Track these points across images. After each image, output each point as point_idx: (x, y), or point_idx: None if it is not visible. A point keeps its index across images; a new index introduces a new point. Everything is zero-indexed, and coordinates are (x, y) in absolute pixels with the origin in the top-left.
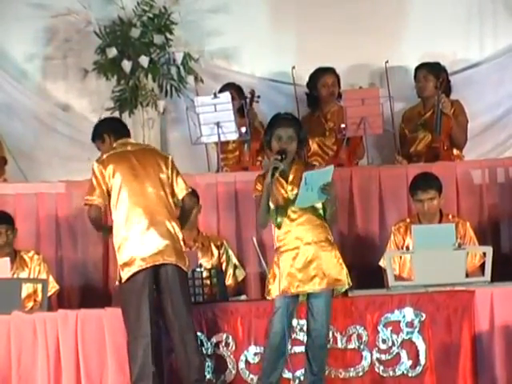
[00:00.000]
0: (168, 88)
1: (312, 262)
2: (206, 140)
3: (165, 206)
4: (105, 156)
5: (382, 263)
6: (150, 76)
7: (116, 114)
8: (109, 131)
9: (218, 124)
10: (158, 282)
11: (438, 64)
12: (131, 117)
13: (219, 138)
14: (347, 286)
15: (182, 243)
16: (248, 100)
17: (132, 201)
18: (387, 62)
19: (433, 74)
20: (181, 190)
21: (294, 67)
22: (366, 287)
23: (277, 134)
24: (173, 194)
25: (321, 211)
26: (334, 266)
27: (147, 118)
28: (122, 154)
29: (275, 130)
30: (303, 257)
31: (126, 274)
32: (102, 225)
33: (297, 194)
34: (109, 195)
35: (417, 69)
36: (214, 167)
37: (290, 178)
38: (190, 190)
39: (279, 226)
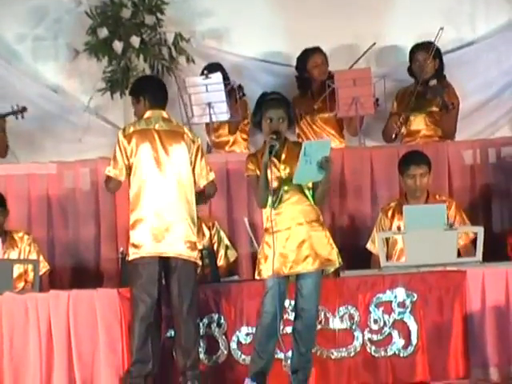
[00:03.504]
0: (159, 68)
1: (304, 243)
2: (198, 120)
3: (182, 193)
4: (131, 129)
5: (369, 246)
6: (141, 56)
7: (107, 95)
8: (146, 95)
9: (209, 104)
10: (167, 271)
11: (433, 44)
12: (122, 97)
13: (211, 118)
14: (338, 266)
15: (194, 235)
16: (238, 95)
17: (149, 184)
18: (374, 44)
19: (432, 55)
20: (202, 178)
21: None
22: (358, 268)
23: (267, 116)
24: (194, 180)
25: (310, 192)
26: (324, 246)
27: None
28: (147, 133)
29: (265, 111)
30: (295, 237)
31: (132, 254)
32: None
33: (290, 173)
34: (129, 169)
35: (414, 50)
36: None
37: (283, 157)
38: (212, 177)
39: (273, 207)
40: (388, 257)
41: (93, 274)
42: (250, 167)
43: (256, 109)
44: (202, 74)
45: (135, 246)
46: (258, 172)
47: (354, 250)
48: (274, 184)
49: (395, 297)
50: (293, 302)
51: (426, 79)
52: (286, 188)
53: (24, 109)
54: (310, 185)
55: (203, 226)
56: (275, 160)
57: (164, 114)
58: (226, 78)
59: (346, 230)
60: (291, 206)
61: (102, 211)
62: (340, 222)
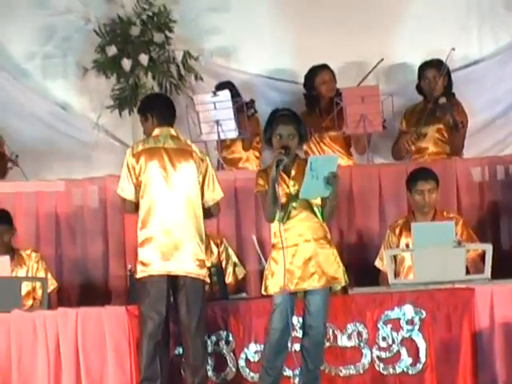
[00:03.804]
0: (168, 86)
1: (311, 260)
2: (206, 138)
3: (191, 211)
4: (140, 148)
5: (377, 263)
6: (149, 74)
7: (116, 113)
8: (154, 112)
9: (217, 122)
10: (175, 289)
11: (442, 62)
12: (131, 115)
13: (219, 136)
14: (344, 284)
15: (203, 253)
16: (251, 112)
17: (158, 202)
18: (382, 59)
19: (442, 73)
20: (211, 198)
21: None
22: (366, 285)
23: (278, 132)
24: (202, 198)
25: (319, 208)
26: (331, 264)
27: None
28: (156, 151)
29: (275, 127)
30: (302, 254)
31: (141, 273)
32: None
33: (299, 190)
34: (138, 187)
35: (423, 68)
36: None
37: (292, 173)
38: (219, 197)
39: (282, 221)
40: (396, 274)
41: (101, 292)
42: (260, 183)
43: (267, 125)
44: (215, 91)
45: (144, 264)
46: (267, 187)
47: (362, 267)
48: (283, 200)
49: (403, 314)
50: (301, 319)
51: (436, 97)
52: (294, 204)
53: None
54: (319, 201)
55: (211, 243)
56: (285, 176)
57: (172, 131)
58: (237, 95)
59: (354, 247)
60: (299, 222)
61: (110, 228)
62: (348, 239)
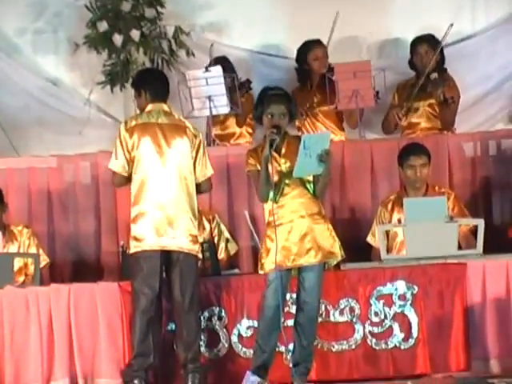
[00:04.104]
0: (159, 62)
1: (307, 235)
2: (198, 114)
3: (184, 187)
4: (133, 123)
5: (369, 239)
6: (141, 50)
7: (107, 89)
8: (147, 88)
9: (209, 98)
10: (168, 265)
11: (434, 37)
12: (122, 91)
13: (211, 111)
14: (340, 258)
15: (196, 229)
16: (244, 89)
17: (152, 178)
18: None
19: (432, 48)
20: (201, 174)
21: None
22: (358, 261)
23: (269, 111)
24: (194, 175)
25: (311, 185)
26: (327, 239)
27: None
28: (149, 127)
29: (267, 106)
30: (298, 230)
31: (134, 248)
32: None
33: (291, 167)
34: (131, 163)
35: (415, 43)
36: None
37: (283, 151)
38: (210, 174)
39: (274, 200)
40: (388, 249)
41: (93, 268)
42: (251, 162)
43: (258, 103)
44: (208, 67)
45: (137, 240)
46: (259, 167)
47: (354, 242)
48: (275, 178)
49: (396, 289)
50: (294, 296)
51: (427, 72)
52: (286, 182)
53: None
54: (311, 178)
55: (203, 219)
56: (275, 154)
57: (165, 107)
58: (232, 71)
59: (346, 223)
60: (292, 199)
61: (102, 205)
62: (340, 215)
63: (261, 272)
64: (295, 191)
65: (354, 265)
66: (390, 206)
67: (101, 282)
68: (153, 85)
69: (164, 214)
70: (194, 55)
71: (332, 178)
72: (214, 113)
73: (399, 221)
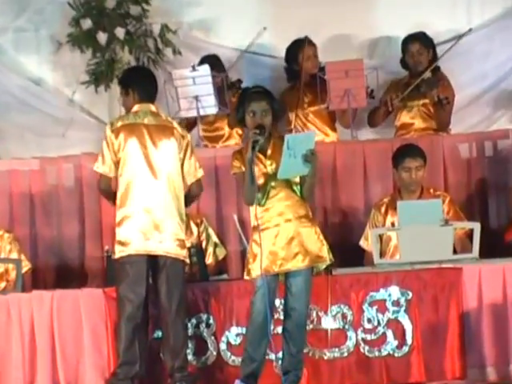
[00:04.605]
0: (145, 61)
1: (294, 239)
2: (185, 114)
3: (171, 190)
4: (119, 124)
5: (362, 243)
6: (126, 48)
7: (91, 89)
8: (135, 87)
9: (196, 98)
10: (155, 270)
11: (426, 35)
12: (107, 91)
13: (198, 112)
14: (329, 262)
15: (183, 233)
16: (235, 89)
17: (138, 180)
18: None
19: (425, 46)
20: (190, 176)
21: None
22: (350, 265)
23: (250, 110)
24: (182, 177)
25: (298, 187)
26: (314, 243)
27: None
28: (136, 127)
29: (248, 104)
30: (284, 234)
31: (119, 252)
32: (112, 196)
33: (277, 169)
34: (117, 165)
35: (407, 41)
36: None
37: (269, 152)
38: (200, 175)
39: (260, 203)
40: (382, 254)
41: (77, 273)
42: (236, 164)
43: (239, 104)
44: (200, 65)
45: (122, 244)
46: (244, 169)
47: (346, 247)
48: (261, 180)
49: (389, 295)
50: (283, 301)
51: (420, 71)
52: (273, 184)
53: None
54: (298, 180)
55: (191, 222)
56: (261, 156)
57: (152, 107)
58: (222, 69)
59: (338, 227)
60: (279, 202)
61: (86, 208)
62: (332, 219)
63: (247, 277)
64: (281, 194)
65: (347, 270)
66: (383, 209)
67: (85, 288)
68: (141, 84)
69: (150, 217)
70: (180, 54)
71: (323, 179)
72: (202, 113)
73: (393, 224)
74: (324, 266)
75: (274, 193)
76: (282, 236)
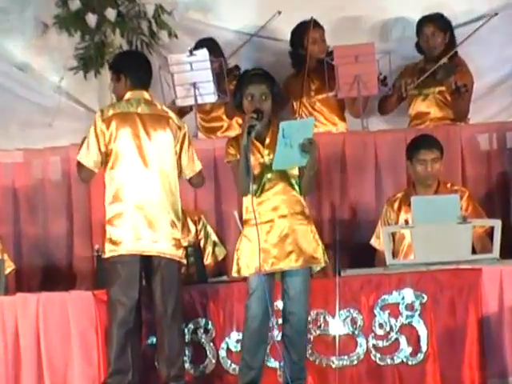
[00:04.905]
0: (138, 44)
1: (288, 237)
2: (181, 103)
3: (166, 185)
4: (110, 112)
5: (373, 241)
6: (117, 31)
7: (80, 75)
8: (128, 73)
9: (194, 85)
10: (149, 271)
11: (442, 16)
12: (97, 77)
13: (196, 100)
14: (323, 264)
15: (179, 231)
16: (232, 76)
17: (130, 174)
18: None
19: (440, 29)
20: (189, 169)
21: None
22: (361, 266)
23: (248, 93)
24: (179, 171)
25: (296, 180)
26: (309, 242)
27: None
28: (129, 116)
29: (246, 88)
30: (278, 230)
31: (110, 252)
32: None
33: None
34: (106, 157)
35: (421, 23)
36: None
37: (267, 141)
38: (198, 169)
39: (255, 194)
40: (394, 254)
41: (65, 275)
42: (231, 152)
43: (237, 88)
44: (196, 49)
45: (113, 243)
46: (239, 157)
47: (356, 246)
48: (256, 170)
49: (402, 298)
50: (281, 303)
51: (435, 56)
52: (269, 176)
53: None
54: (297, 172)
55: (188, 220)
56: (258, 144)
57: (146, 95)
58: (220, 54)
59: (347, 224)
60: (274, 195)
61: (74, 204)
62: (341, 215)
63: (235, 275)
64: (278, 187)
65: (356, 271)
66: (396, 205)
67: (73, 291)
68: (134, 70)
69: (143, 214)
70: (176, 37)
71: (331, 173)
72: (200, 101)
73: (406, 222)
74: (318, 269)
75: (269, 185)
76: (275, 233)
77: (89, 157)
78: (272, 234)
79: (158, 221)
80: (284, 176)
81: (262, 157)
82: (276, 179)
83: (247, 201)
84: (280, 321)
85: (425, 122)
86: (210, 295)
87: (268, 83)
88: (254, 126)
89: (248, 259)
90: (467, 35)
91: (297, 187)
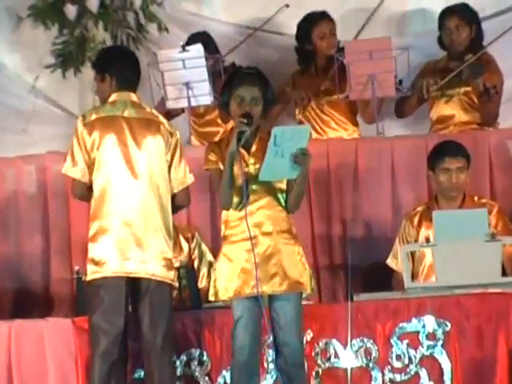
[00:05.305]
0: (124, 39)
1: (272, 257)
2: (173, 105)
3: (157, 198)
4: (93, 116)
5: (389, 261)
6: (100, 24)
7: (58, 73)
8: (113, 72)
9: (187, 84)
10: (136, 296)
11: (468, 7)
12: (77, 76)
13: (189, 102)
14: (309, 292)
15: (171, 250)
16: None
17: (116, 186)
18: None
19: (466, 21)
20: (178, 182)
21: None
22: (375, 290)
23: (238, 94)
24: (169, 183)
25: (283, 195)
26: (296, 265)
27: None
28: (114, 121)
29: (236, 88)
30: (261, 249)
31: (92, 274)
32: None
33: (259, 170)
34: (91, 167)
35: (444, 16)
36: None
37: (253, 148)
38: (190, 182)
39: (236, 208)
40: (414, 276)
41: (40, 299)
42: (211, 158)
43: (225, 87)
44: (187, 45)
45: (96, 263)
46: (221, 165)
47: (370, 267)
48: (240, 181)
49: (423, 326)
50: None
51: (460, 52)
52: (253, 187)
53: None
54: (284, 186)
55: (180, 237)
56: (243, 152)
57: (134, 97)
58: (215, 50)
59: (360, 242)
60: (258, 210)
61: (51, 219)
62: (353, 232)
63: (211, 299)
64: (263, 201)
65: (371, 295)
66: (416, 221)
67: (50, 318)
68: (121, 69)
69: (131, 231)
70: (167, 31)
71: (342, 184)
72: (194, 104)
73: (427, 239)
74: (304, 295)
75: (253, 198)
76: (258, 251)
77: (76, 168)
78: (254, 252)
79: (148, 238)
80: (270, 189)
81: (247, 165)
82: (261, 192)
83: (228, 214)
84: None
85: (448, 127)
86: (205, 323)
87: (261, 86)
88: (244, 132)
89: (226, 281)
90: (495, 29)
91: (283, 202)
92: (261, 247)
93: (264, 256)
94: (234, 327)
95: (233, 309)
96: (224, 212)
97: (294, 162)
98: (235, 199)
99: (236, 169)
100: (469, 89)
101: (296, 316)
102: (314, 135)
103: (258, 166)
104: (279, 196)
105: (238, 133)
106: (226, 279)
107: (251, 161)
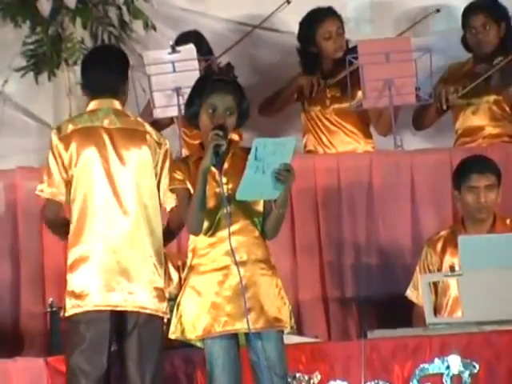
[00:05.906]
0: (105, 38)
1: (247, 290)
2: (161, 114)
3: (144, 220)
4: (70, 128)
5: (409, 293)
6: (78, 21)
7: (30, 77)
8: (84, 78)
9: (177, 90)
10: (122, 332)
11: (496, 3)
12: (52, 80)
13: (179, 110)
14: (289, 330)
15: (162, 279)
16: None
17: (98, 207)
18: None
19: (493, 19)
20: (170, 198)
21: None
22: (393, 326)
23: (210, 103)
24: (158, 201)
25: (260, 219)
26: (274, 299)
27: (75, 82)
28: (93, 132)
29: (207, 96)
30: (234, 281)
31: (72, 309)
32: (63, 226)
33: (234, 190)
34: (68, 185)
35: (468, 12)
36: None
37: (226, 166)
38: None
39: (207, 233)
40: (437, 309)
41: (9, 336)
42: (178, 177)
43: (193, 94)
44: (177, 45)
45: (76, 296)
46: (189, 185)
47: (387, 299)
48: (211, 203)
49: (447, 368)
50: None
51: (486, 53)
52: (228, 209)
53: None
54: (261, 208)
55: (170, 266)
56: (214, 170)
57: (116, 104)
58: (207, 51)
59: (375, 271)
60: (233, 236)
61: (22, 244)
62: (367, 259)
63: (172, 336)
64: (237, 225)
65: (387, 332)
66: (439, 247)
67: (19, 357)
68: (94, 72)
69: (116, 259)
70: (154, 29)
71: (354, 204)
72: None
73: (452, 268)
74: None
75: (226, 222)
76: (231, 284)
77: (51, 186)
78: (227, 285)
79: (135, 267)
80: (246, 212)
81: (219, 186)
82: (235, 215)
83: (196, 240)
84: None
85: (476, 140)
86: (197, 362)
87: (236, 95)
88: (221, 146)
89: (194, 317)
90: None
91: (259, 227)
92: (234, 279)
93: (237, 289)
94: (211, 372)
95: (207, 349)
96: (191, 238)
97: (276, 180)
98: (206, 223)
99: (208, 189)
100: (499, 98)
101: (280, 357)
102: (320, 150)
103: (231, 186)
104: (256, 220)
105: (215, 146)
106: (193, 315)
107: (224, 180)
